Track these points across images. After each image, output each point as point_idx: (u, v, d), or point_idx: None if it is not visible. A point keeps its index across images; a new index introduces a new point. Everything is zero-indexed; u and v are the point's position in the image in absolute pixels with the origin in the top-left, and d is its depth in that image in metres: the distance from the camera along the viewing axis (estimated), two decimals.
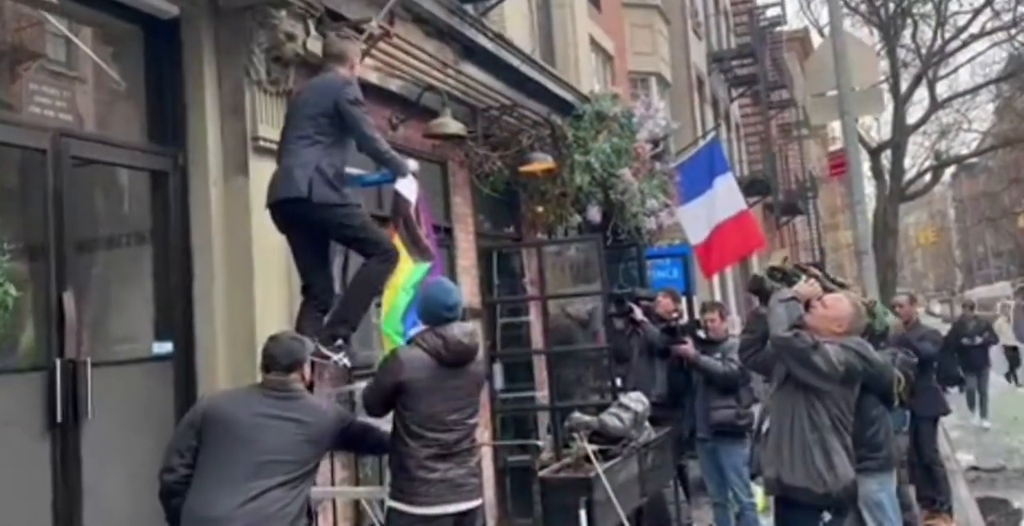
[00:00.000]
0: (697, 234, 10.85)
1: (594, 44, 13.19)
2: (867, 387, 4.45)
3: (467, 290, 7.15)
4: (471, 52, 7.08)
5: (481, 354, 3.84)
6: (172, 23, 4.91)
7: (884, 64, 24.30)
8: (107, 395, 4.27)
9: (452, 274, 6.97)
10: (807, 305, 4.09)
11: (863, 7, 25.62)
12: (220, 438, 3.42)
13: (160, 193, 4.87)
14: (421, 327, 4.01)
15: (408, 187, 4.60)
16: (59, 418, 4.02)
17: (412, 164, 4.67)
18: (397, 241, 4.51)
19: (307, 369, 3.68)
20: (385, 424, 3.82)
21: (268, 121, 5.00)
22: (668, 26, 17.00)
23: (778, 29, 26.47)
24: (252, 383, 3.81)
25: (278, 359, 3.61)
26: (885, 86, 22.52)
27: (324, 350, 4.27)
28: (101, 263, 4.76)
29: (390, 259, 4.31)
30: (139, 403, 4.60)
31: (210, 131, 4.93)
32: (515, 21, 8.61)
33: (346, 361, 4.37)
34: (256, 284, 4.89)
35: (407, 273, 4.50)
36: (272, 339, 3.73)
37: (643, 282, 8.86)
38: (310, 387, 3.88)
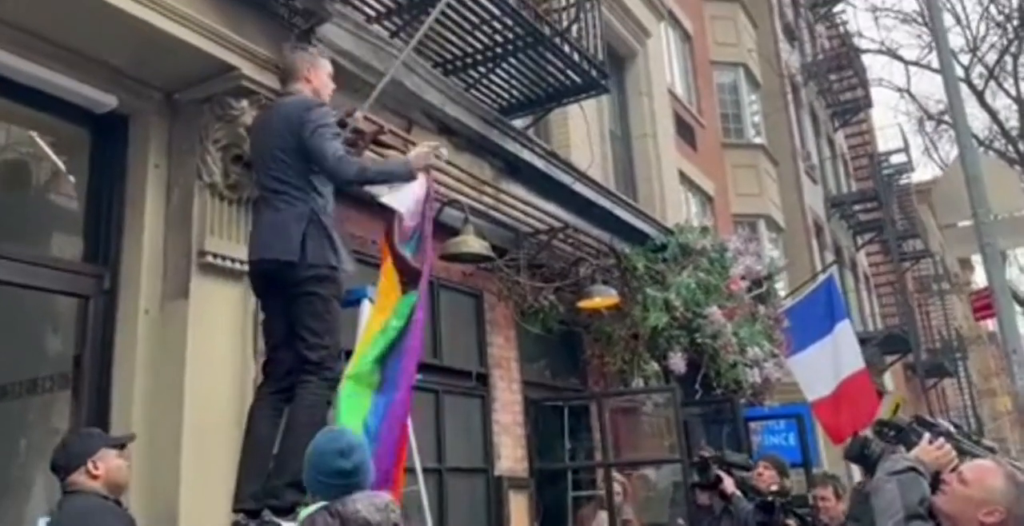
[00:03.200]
0: (816, 388, 9.05)
1: (690, 184, 12.16)
2: None
3: (508, 453, 5.75)
4: (515, 169, 6.08)
5: None
6: (118, 120, 4.10)
7: None
8: None
9: (486, 431, 5.61)
10: (936, 480, 2.51)
11: (997, 143, 23.75)
12: None
13: (76, 322, 3.87)
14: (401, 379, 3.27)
15: (402, 196, 3.59)
16: None
17: (423, 152, 3.68)
18: (388, 265, 3.66)
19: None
20: None
21: (219, 232, 4.03)
22: (776, 167, 15.86)
23: (905, 177, 24.87)
24: None
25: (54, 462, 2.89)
26: None
27: (282, 522, 3.16)
28: None
29: (328, 380, 3.37)
30: None
31: (147, 246, 3.97)
32: (581, 146, 7.65)
33: None
34: (185, 442, 3.72)
35: (392, 305, 3.53)
36: None
37: (739, 446, 7.16)
38: None
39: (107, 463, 2.91)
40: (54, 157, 4.06)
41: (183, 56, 3.83)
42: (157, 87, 4.11)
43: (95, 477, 2.87)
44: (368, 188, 3.70)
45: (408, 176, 3.56)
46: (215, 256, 3.96)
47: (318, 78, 3.74)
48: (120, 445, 3.03)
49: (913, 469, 2.48)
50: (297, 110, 3.50)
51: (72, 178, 4.09)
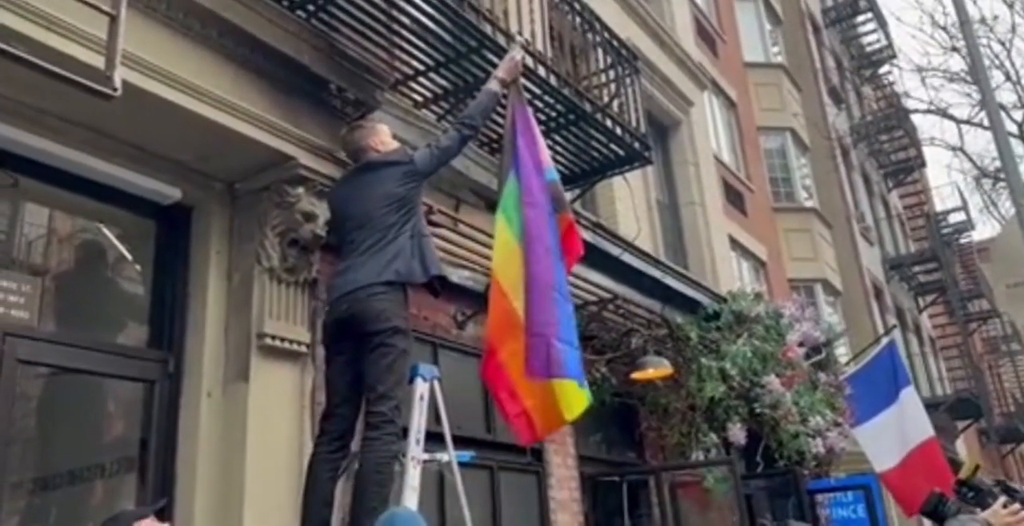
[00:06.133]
0: (884, 459, 8.77)
1: (742, 249, 12.11)
2: None
3: None
4: None
5: None
6: (182, 211, 4.30)
7: None
8: None
9: (542, 509, 5.54)
10: None
11: None
12: None
13: (142, 407, 3.98)
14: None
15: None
16: None
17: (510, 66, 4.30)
18: None
19: None
20: None
21: (278, 315, 4.16)
22: (830, 230, 15.70)
23: (966, 236, 24.36)
24: None
25: None
26: None
27: None
28: (45, 503, 3.81)
29: (392, 434, 3.45)
30: None
31: (210, 330, 4.12)
32: (628, 216, 7.72)
33: None
34: (247, 522, 3.78)
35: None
36: None
37: (804, 518, 6.92)
38: None
39: None
40: (121, 247, 4.25)
41: (245, 149, 4.03)
42: (219, 178, 4.32)
43: None
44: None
45: (497, 99, 4.19)
46: (273, 338, 4.08)
47: (384, 144, 4.00)
48: (156, 513, 2.83)
49: None
50: (389, 167, 3.82)
51: (138, 267, 4.27)
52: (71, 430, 3.98)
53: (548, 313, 3.83)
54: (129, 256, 4.27)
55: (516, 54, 4.33)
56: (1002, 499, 2.63)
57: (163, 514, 2.85)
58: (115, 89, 2.57)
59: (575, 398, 3.81)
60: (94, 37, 3.10)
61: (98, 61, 2.96)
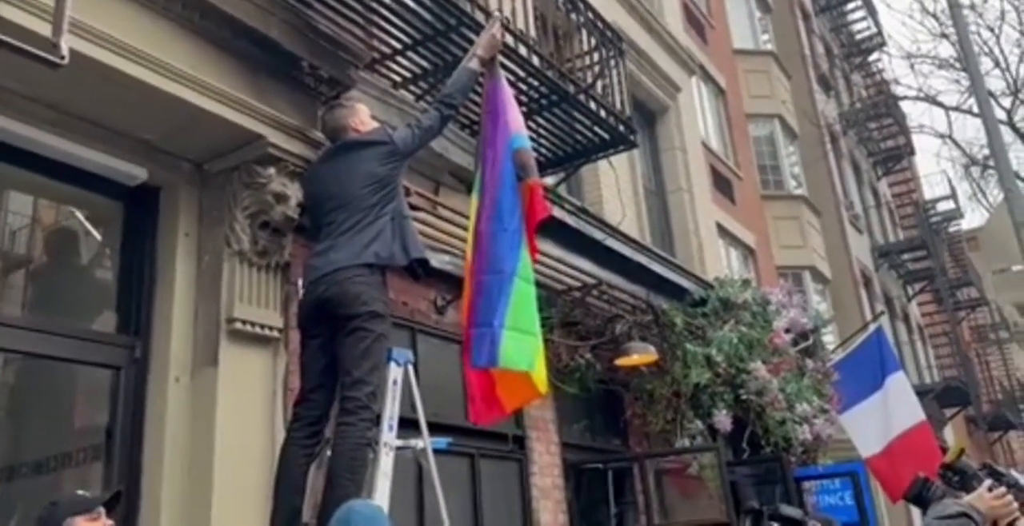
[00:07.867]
0: (869, 445, 8.72)
1: (731, 237, 12.04)
2: None
3: (548, 519, 5.57)
4: (545, 226, 6.01)
5: None
6: (150, 192, 4.17)
7: None
8: None
9: (524, 496, 5.46)
10: None
11: None
12: None
13: (108, 394, 3.87)
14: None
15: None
16: None
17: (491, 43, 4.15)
18: None
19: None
20: None
21: (248, 299, 4.04)
22: (819, 218, 15.63)
23: (954, 225, 24.40)
24: None
25: None
26: None
27: None
28: (10, 493, 3.70)
29: (367, 420, 3.35)
30: None
31: (177, 314, 3.99)
32: (614, 202, 7.61)
33: None
34: (215, 510, 3.68)
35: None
36: None
37: (792, 504, 6.84)
38: None
39: None
40: (88, 229, 4.13)
41: (213, 128, 3.90)
42: (187, 158, 4.18)
43: None
44: None
45: (476, 77, 4.11)
46: (244, 322, 3.97)
47: (363, 124, 3.90)
48: (98, 505, 2.58)
49: (965, 515, 2.36)
50: (366, 146, 3.73)
51: (105, 249, 4.16)
52: (35, 418, 3.87)
53: (471, 302, 3.76)
54: (95, 238, 4.14)
55: (495, 29, 4.21)
56: (987, 482, 2.55)
57: (114, 504, 2.67)
58: (62, 57, 2.44)
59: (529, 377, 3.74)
60: (47, 7, 2.98)
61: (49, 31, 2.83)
